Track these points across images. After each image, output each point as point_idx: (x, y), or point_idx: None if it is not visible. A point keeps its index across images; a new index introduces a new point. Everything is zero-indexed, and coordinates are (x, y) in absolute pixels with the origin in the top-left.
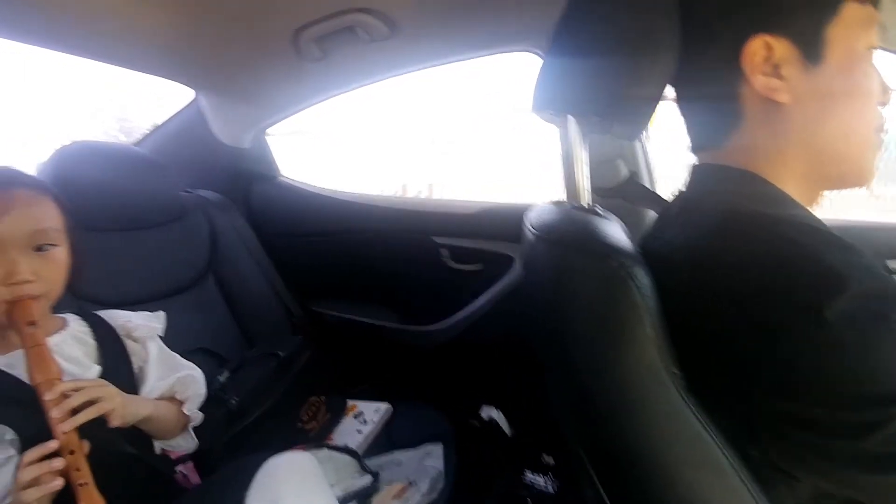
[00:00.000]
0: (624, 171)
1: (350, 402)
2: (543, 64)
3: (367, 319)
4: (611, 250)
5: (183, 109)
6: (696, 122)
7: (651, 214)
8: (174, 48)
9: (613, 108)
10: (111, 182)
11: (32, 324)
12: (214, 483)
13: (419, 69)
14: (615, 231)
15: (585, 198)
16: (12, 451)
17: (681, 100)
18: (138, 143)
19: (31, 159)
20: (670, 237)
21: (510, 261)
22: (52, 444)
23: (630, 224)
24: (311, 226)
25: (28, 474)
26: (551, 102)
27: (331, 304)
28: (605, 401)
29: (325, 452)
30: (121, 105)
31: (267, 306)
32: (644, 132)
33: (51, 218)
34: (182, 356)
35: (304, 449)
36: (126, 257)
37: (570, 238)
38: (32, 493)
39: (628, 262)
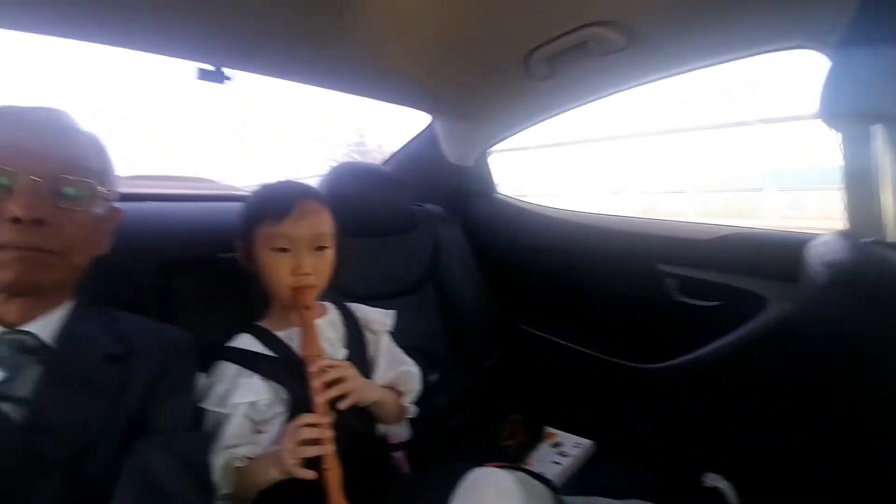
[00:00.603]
0: None
1: (548, 429)
2: (833, 64)
3: (574, 345)
4: None
5: (420, 133)
6: None
7: None
8: (417, 80)
9: None
10: (366, 196)
11: (307, 308)
12: (425, 478)
13: (656, 80)
14: None
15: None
16: (283, 409)
17: None
18: (384, 162)
19: None
20: None
21: (760, 301)
22: (321, 416)
23: None
24: (524, 242)
25: (306, 434)
26: (849, 107)
27: (536, 323)
28: None
29: (522, 475)
30: (356, 131)
31: (475, 317)
32: None
33: (327, 225)
34: None
35: (504, 467)
36: (369, 259)
37: (886, 286)
38: (309, 451)
39: None
